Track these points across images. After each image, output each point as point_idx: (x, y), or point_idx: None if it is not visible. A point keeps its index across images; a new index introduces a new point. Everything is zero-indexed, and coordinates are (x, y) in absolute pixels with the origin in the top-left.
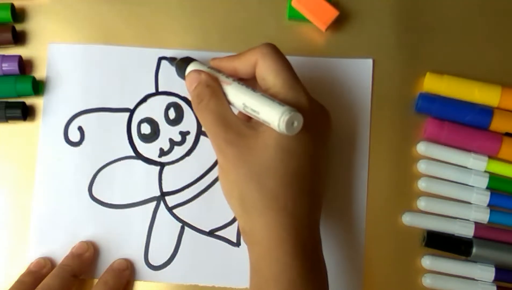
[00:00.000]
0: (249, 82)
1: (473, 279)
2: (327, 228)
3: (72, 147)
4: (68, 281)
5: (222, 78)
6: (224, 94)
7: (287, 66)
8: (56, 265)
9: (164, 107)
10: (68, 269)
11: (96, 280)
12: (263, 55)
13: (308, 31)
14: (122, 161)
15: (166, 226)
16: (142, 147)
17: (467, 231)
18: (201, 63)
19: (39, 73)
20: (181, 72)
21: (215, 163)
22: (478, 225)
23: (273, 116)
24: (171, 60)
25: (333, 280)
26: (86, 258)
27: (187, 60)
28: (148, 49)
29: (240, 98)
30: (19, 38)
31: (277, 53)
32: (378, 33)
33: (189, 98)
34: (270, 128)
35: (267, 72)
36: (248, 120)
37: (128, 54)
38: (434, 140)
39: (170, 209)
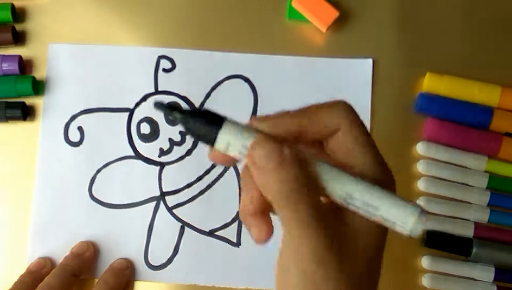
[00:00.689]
0: (313, 148)
1: (473, 279)
2: None
3: (72, 147)
4: (69, 281)
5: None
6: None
7: (372, 139)
8: (56, 265)
9: None
10: (68, 269)
11: (96, 280)
12: (350, 122)
13: (308, 31)
14: (122, 161)
15: (166, 226)
16: (141, 147)
17: (467, 231)
18: (237, 123)
19: (39, 73)
20: (199, 128)
21: (215, 164)
22: (478, 225)
23: (402, 215)
24: (165, 108)
25: None
26: (87, 257)
27: (214, 119)
28: (148, 48)
29: (343, 187)
30: (19, 38)
31: (361, 121)
32: (378, 33)
33: (189, 96)
34: (365, 221)
35: (356, 146)
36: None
37: (127, 54)
38: (434, 140)
39: (170, 209)
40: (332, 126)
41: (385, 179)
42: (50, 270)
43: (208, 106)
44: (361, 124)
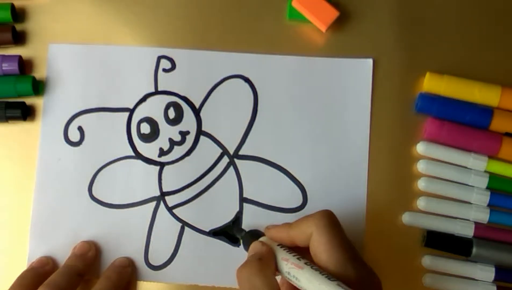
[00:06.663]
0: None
1: (473, 279)
2: None
3: (72, 147)
4: (75, 279)
5: (293, 260)
6: (296, 278)
7: (340, 243)
8: (58, 264)
9: (163, 106)
10: (73, 269)
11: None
12: (318, 229)
13: (308, 31)
14: (122, 161)
15: (166, 226)
16: (141, 147)
17: (467, 231)
18: (269, 240)
19: (39, 73)
20: (247, 245)
21: (215, 163)
22: (478, 225)
23: None
24: (239, 231)
25: None
26: (90, 257)
27: (256, 234)
28: (148, 48)
29: (315, 286)
30: (19, 38)
31: (332, 227)
32: (378, 33)
33: (189, 96)
34: None
35: (320, 249)
36: None
37: (127, 54)
38: (434, 140)
39: (170, 209)
40: (309, 232)
41: (349, 276)
42: (52, 268)
43: (208, 106)
44: (329, 230)
